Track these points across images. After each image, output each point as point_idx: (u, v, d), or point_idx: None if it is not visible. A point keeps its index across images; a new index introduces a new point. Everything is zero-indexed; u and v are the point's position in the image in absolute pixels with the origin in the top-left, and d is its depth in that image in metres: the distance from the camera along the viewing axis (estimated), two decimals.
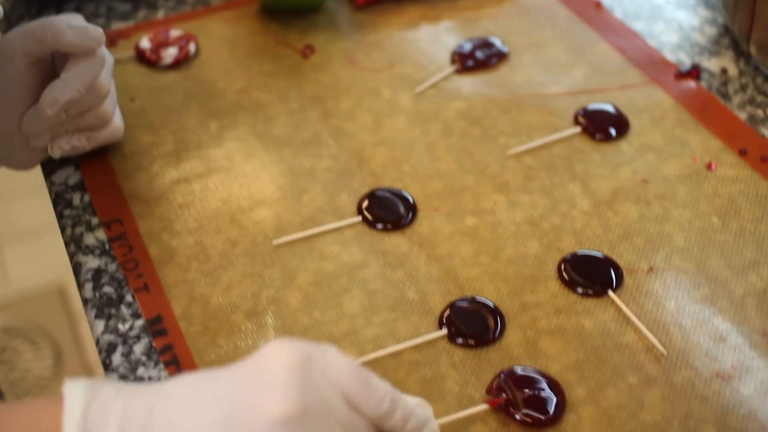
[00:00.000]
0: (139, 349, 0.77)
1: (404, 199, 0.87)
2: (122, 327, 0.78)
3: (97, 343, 0.78)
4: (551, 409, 0.72)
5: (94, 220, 0.87)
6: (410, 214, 0.87)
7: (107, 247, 0.85)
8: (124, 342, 0.77)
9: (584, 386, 0.74)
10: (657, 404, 0.73)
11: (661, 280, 0.81)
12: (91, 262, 0.84)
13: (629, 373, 0.75)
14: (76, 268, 0.84)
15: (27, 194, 2.34)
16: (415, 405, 0.64)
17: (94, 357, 2.01)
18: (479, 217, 0.86)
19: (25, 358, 2.05)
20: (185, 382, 0.59)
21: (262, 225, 0.86)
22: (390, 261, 0.83)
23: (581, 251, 0.83)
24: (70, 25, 0.81)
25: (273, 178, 0.90)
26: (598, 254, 0.83)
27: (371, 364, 0.75)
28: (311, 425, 0.55)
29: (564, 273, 0.82)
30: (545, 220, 0.86)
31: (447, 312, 0.78)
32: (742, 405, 0.73)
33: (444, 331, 0.77)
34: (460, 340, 0.76)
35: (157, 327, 0.78)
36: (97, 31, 0.81)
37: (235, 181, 0.90)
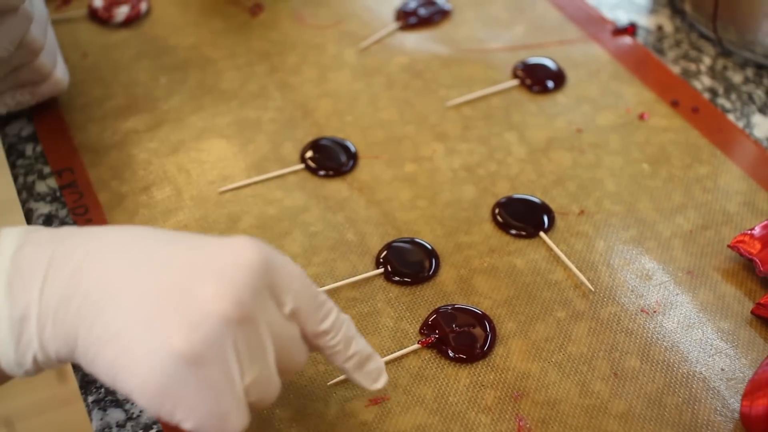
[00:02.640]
0: None
1: (346, 148, 0.90)
2: None
3: None
4: (481, 344, 0.76)
5: (46, 169, 0.90)
6: (351, 162, 0.89)
7: (58, 194, 0.87)
8: None
9: (514, 321, 0.77)
10: (583, 337, 0.76)
11: (591, 223, 0.84)
12: (42, 208, 0.86)
13: (558, 308, 0.78)
14: (28, 215, 0.86)
15: None
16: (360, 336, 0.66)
17: None
18: (418, 164, 0.89)
19: None
20: (131, 235, 0.57)
21: (208, 173, 0.89)
22: (331, 205, 0.86)
23: (515, 195, 0.86)
24: None
25: (220, 129, 0.93)
26: (531, 198, 0.86)
27: None
28: (246, 330, 0.54)
29: (497, 215, 0.84)
30: (482, 167, 0.89)
31: (384, 252, 0.81)
32: (665, 338, 0.76)
33: (380, 269, 0.80)
34: (396, 278, 0.79)
35: None
36: None
37: (183, 131, 0.93)
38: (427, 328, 0.76)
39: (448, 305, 0.78)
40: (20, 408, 1.86)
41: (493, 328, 0.76)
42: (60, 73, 0.91)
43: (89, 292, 0.54)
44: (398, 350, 0.75)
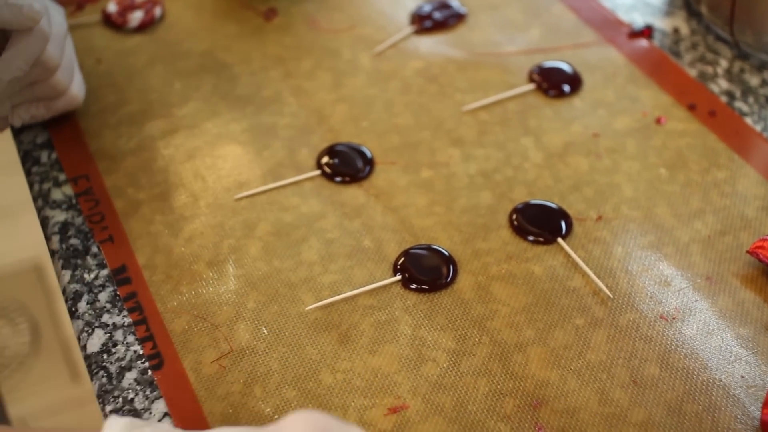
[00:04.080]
0: (104, 297, 0.79)
1: (362, 154, 0.90)
2: (88, 276, 0.81)
3: (64, 292, 0.80)
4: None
5: (62, 176, 0.89)
6: (368, 168, 0.89)
7: (74, 201, 0.87)
8: (90, 291, 0.80)
9: (533, 328, 0.76)
10: (602, 344, 0.75)
11: (609, 228, 0.84)
12: (58, 216, 0.86)
13: (576, 315, 0.77)
14: (44, 222, 0.86)
15: (1, 172, 2.35)
16: None
17: (70, 334, 2.02)
18: (434, 170, 0.89)
19: (2, 334, 2.06)
20: None
21: (224, 180, 0.88)
22: (347, 212, 0.85)
23: (532, 201, 0.86)
24: (7, 3, 0.79)
25: (235, 135, 0.93)
26: (549, 204, 0.85)
27: (328, 308, 0.78)
28: None
29: (515, 221, 0.84)
30: (498, 173, 0.89)
31: (401, 259, 0.81)
32: (684, 345, 0.75)
33: (398, 276, 0.79)
34: (413, 286, 0.79)
35: (121, 276, 0.80)
36: (32, 10, 0.78)
37: (198, 138, 0.92)
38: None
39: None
40: (35, 409, 1.87)
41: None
42: (76, 89, 0.91)
43: None
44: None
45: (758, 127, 0.93)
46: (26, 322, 2.07)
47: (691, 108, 0.95)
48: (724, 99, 0.96)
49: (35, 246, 2.11)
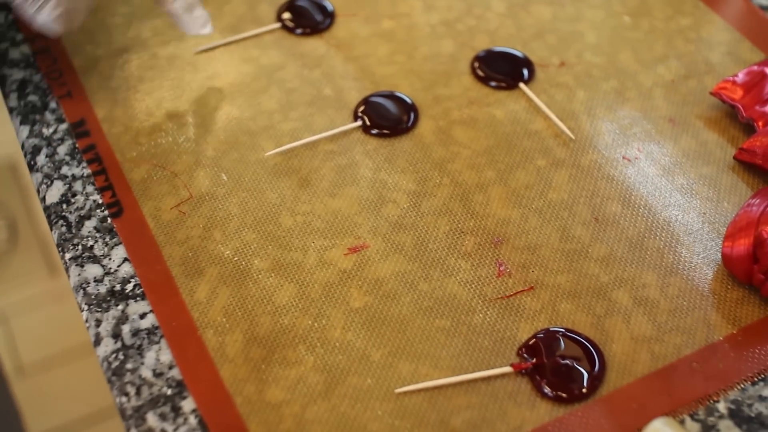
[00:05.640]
0: (63, 150, 0.79)
1: (322, 7, 0.89)
2: (46, 131, 0.80)
3: (23, 147, 0.80)
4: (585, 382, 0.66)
5: (19, 37, 0.88)
6: (328, 20, 0.88)
7: (32, 60, 0.86)
8: (48, 144, 0.79)
9: (494, 169, 0.76)
10: (564, 184, 0.75)
11: (572, 74, 0.83)
12: (16, 74, 0.85)
13: (538, 156, 0.77)
14: (2, 80, 0.85)
15: None
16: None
17: (46, 230, 2.02)
18: (396, 21, 0.88)
19: None
20: None
21: (183, 36, 0.87)
22: (308, 62, 0.84)
23: (494, 48, 0.85)
24: None
25: None
26: (511, 50, 0.85)
27: (288, 154, 0.77)
28: None
29: (476, 68, 0.83)
30: (460, 22, 0.88)
31: (362, 106, 0.80)
32: (646, 184, 0.75)
33: (359, 122, 0.79)
34: (374, 131, 0.78)
35: (80, 129, 0.80)
36: None
37: None
38: (527, 350, 0.66)
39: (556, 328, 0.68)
40: (14, 304, 1.87)
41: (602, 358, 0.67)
42: None
43: None
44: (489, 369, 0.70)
45: None
46: (2, 219, 2.07)
47: None
48: None
49: (8, 144, 2.10)
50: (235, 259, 0.70)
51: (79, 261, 0.71)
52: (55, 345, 1.81)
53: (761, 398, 0.63)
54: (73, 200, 0.74)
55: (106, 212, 0.73)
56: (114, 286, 0.69)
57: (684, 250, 0.71)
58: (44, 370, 1.77)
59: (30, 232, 2.02)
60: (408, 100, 0.80)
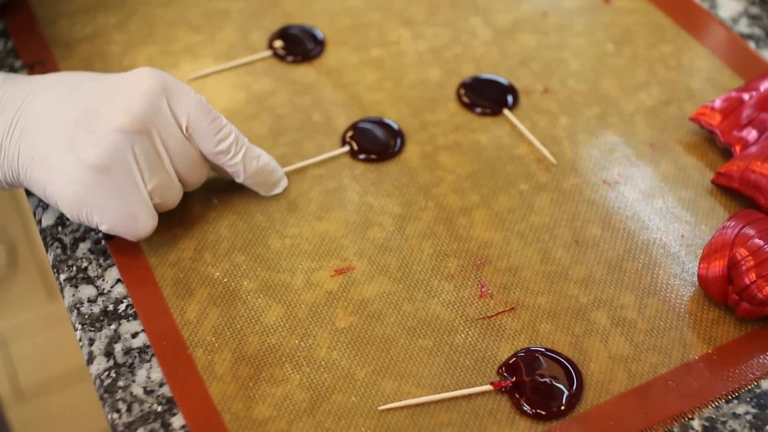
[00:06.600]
0: None
1: (313, 35, 0.91)
2: None
3: None
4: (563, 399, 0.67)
5: (17, 63, 0.90)
6: (318, 48, 0.90)
7: None
8: None
9: (478, 193, 0.78)
10: (546, 207, 0.77)
11: (555, 100, 0.86)
12: None
13: (521, 181, 0.79)
14: None
15: None
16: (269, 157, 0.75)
17: (45, 254, 2.03)
18: (384, 49, 0.90)
19: None
20: (62, 79, 0.70)
21: (178, 63, 0.89)
22: (298, 89, 0.87)
23: (480, 75, 0.87)
24: None
25: (189, 21, 0.93)
26: (496, 78, 0.87)
27: None
28: (143, 141, 0.66)
29: (462, 94, 0.85)
30: (447, 50, 0.90)
31: (350, 131, 0.82)
32: (626, 207, 0.77)
33: (346, 148, 0.81)
34: (362, 156, 0.80)
35: None
36: None
37: (153, 24, 0.93)
38: (507, 369, 0.68)
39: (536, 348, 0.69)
40: (13, 329, 1.88)
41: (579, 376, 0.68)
42: None
43: (26, 122, 0.68)
44: (469, 388, 0.68)
45: (706, 5, 0.94)
46: (2, 244, 2.08)
47: None
48: None
49: None
50: (225, 280, 0.72)
51: (74, 282, 0.73)
52: (53, 368, 1.82)
53: (735, 415, 0.65)
54: (68, 223, 0.76)
55: (100, 234, 0.75)
56: (107, 306, 0.71)
57: (661, 271, 0.73)
58: (42, 393, 1.78)
59: (29, 257, 2.03)
60: (395, 126, 0.82)
